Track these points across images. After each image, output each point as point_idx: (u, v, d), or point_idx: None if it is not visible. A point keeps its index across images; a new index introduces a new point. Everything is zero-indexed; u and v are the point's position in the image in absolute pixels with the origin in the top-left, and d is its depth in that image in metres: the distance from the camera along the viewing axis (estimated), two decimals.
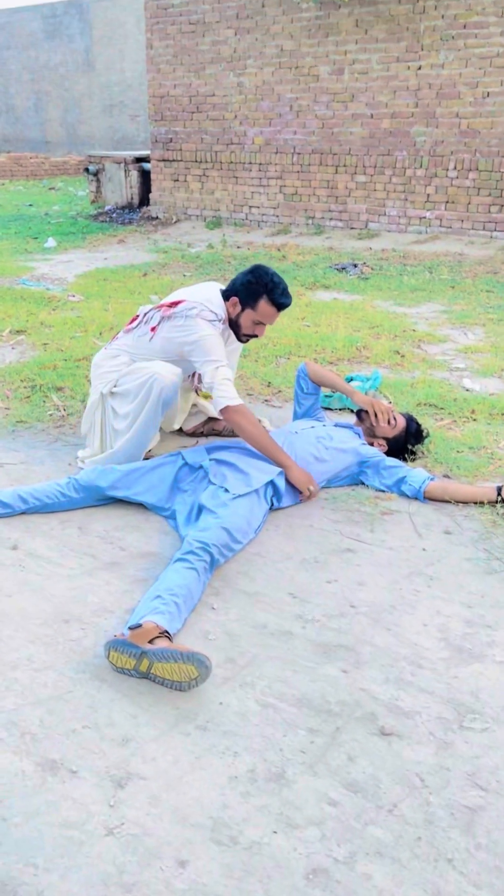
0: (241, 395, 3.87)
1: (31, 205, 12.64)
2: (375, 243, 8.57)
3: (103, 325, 5.14)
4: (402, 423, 3.09)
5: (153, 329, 2.90)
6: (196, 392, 3.39)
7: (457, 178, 8.23)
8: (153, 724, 1.77)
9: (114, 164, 11.35)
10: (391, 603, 2.24)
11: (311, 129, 9.10)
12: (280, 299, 2.84)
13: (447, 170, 8.27)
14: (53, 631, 2.09)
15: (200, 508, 2.54)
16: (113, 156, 11.49)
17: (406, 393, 3.90)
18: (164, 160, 10.59)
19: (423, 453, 3.18)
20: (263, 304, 2.84)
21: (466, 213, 8.27)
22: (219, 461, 2.72)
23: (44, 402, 3.77)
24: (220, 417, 3.35)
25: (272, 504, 2.73)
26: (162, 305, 2.94)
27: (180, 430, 3.41)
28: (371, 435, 3.08)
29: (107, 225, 10.42)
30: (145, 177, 11.19)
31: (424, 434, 3.16)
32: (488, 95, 7.84)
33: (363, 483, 2.95)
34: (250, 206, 9.94)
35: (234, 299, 2.87)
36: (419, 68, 8.18)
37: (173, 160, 10.49)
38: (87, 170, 11.62)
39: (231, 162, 9.91)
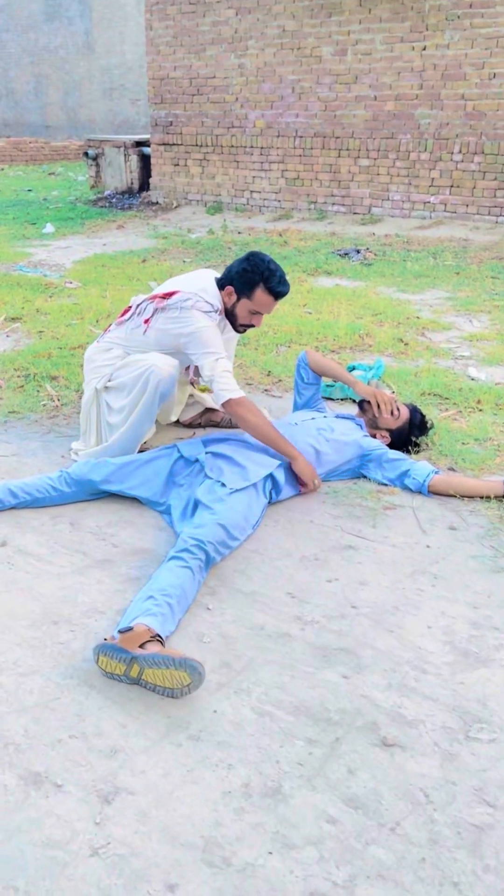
0: (240, 384, 3.77)
1: (30, 190, 12.48)
2: (379, 228, 8.43)
3: (100, 313, 5.04)
4: (405, 414, 2.99)
5: (146, 321, 2.80)
6: (192, 385, 3.28)
7: (462, 161, 8.07)
8: (143, 733, 1.68)
9: (113, 148, 11.18)
10: (394, 603, 2.15)
11: (314, 112, 8.93)
12: (277, 288, 2.72)
13: (452, 153, 8.11)
14: (41, 633, 2.00)
15: (196, 503, 2.45)
16: (112, 140, 11.32)
17: (410, 382, 3.80)
18: (164, 144, 10.42)
19: (427, 445, 3.08)
20: (260, 294, 2.73)
21: (471, 198, 8.11)
22: (215, 454, 2.63)
23: (37, 391, 3.67)
24: (219, 409, 3.26)
25: (271, 498, 2.64)
26: (155, 296, 2.83)
27: (177, 421, 3.31)
28: (373, 426, 2.98)
29: (106, 210, 10.27)
30: (145, 161, 11.03)
31: (429, 425, 3.06)
32: (494, 77, 7.66)
33: (365, 476, 2.85)
34: (251, 191, 9.78)
35: (230, 289, 2.76)
36: (424, 49, 8.00)
37: (173, 144, 10.32)
38: (86, 154, 11.46)
39: (232, 146, 9.75)
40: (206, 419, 3.29)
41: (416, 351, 4.36)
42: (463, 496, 2.70)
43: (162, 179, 10.62)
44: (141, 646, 1.81)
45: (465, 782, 1.56)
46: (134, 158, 11.04)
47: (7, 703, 1.76)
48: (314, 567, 2.32)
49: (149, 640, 1.82)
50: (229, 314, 2.81)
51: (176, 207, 10.32)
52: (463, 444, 3.12)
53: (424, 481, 2.71)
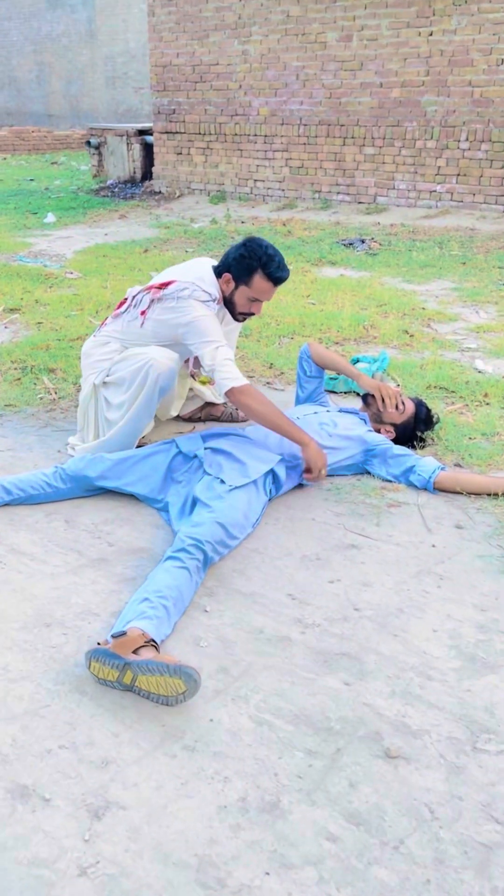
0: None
1: (32, 179, 12.38)
2: (384, 218, 8.31)
3: (100, 304, 4.95)
4: (410, 408, 2.91)
5: (143, 313, 2.71)
6: (192, 377, 3.20)
7: (469, 149, 7.94)
8: (136, 743, 1.61)
9: (116, 136, 11.06)
10: (398, 605, 2.08)
11: (318, 100, 8.81)
12: (276, 273, 2.62)
13: (459, 141, 7.98)
14: (33, 636, 1.93)
15: (195, 501, 2.38)
16: (115, 128, 11.20)
17: (415, 375, 3.71)
18: (166, 132, 10.30)
19: (433, 440, 3.00)
20: (258, 280, 2.63)
21: (479, 187, 7.99)
22: (215, 450, 2.55)
23: (34, 384, 3.60)
24: (218, 402, 3.18)
25: (271, 494, 2.56)
26: (151, 287, 2.74)
27: (177, 416, 3.23)
28: (378, 421, 2.89)
29: (108, 200, 10.17)
30: (148, 150, 10.91)
31: (435, 420, 2.98)
32: (502, 63, 7.52)
33: (369, 473, 2.77)
34: (255, 180, 9.67)
35: (227, 276, 2.67)
36: (430, 34, 7.87)
37: (176, 132, 10.20)
38: (88, 143, 11.34)
39: (235, 134, 9.63)
40: (206, 413, 3.22)
41: (422, 343, 4.27)
42: (470, 493, 2.62)
43: (165, 168, 10.50)
44: (135, 651, 1.74)
45: (473, 797, 1.49)
46: (136, 147, 10.93)
47: None
48: (315, 567, 2.25)
49: (143, 646, 1.75)
50: (228, 302, 2.72)
51: (179, 197, 10.22)
52: (470, 438, 3.03)
53: (430, 478, 2.63)
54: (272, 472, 2.54)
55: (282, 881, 1.32)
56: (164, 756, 1.58)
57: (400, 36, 8.05)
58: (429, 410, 2.96)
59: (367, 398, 2.93)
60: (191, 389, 3.26)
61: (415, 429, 2.92)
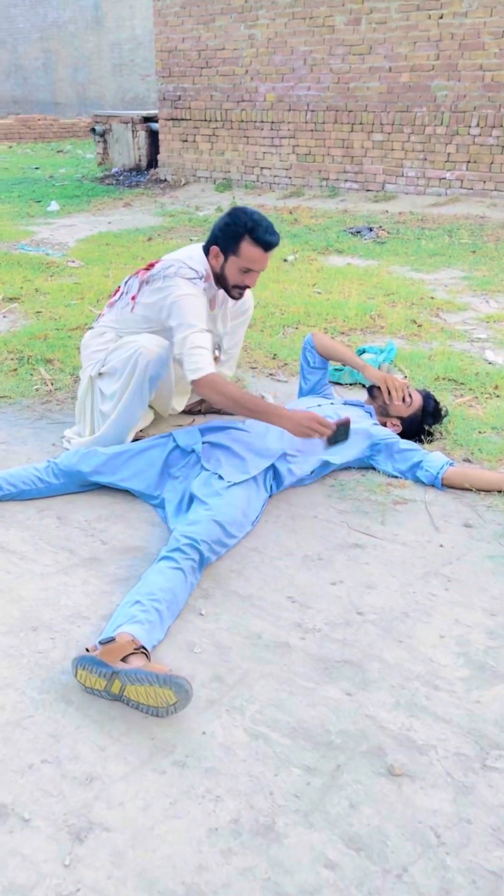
0: (244, 368, 3.59)
1: (37, 168, 12.25)
2: (392, 206, 8.16)
3: (102, 292, 4.84)
4: (418, 400, 2.80)
5: (133, 298, 2.61)
6: None
7: (479, 135, 7.76)
8: (123, 757, 1.52)
9: (121, 124, 10.92)
10: (403, 609, 1.97)
11: (326, 85, 8.64)
12: (264, 237, 2.47)
13: (469, 127, 7.80)
14: (18, 640, 1.84)
15: (192, 498, 2.28)
16: (120, 115, 11.05)
17: (423, 366, 3.59)
18: (172, 119, 10.15)
19: (441, 434, 2.89)
20: (246, 247, 2.48)
21: (489, 174, 7.82)
22: (213, 444, 2.45)
23: (31, 375, 3.50)
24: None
25: (272, 490, 2.46)
26: (140, 271, 2.64)
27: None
28: (384, 414, 2.78)
29: (113, 188, 10.04)
30: (154, 137, 10.76)
31: (443, 413, 2.87)
32: None
33: (374, 468, 2.66)
34: (262, 168, 9.51)
35: (215, 249, 2.54)
36: (441, 17, 7.68)
37: (182, 119, 10.05)
38: (93, 130, 11.20)
39: (242, 120, 9.47)
40: (207, 405, 3.11)
41: (430, 333, 4.14)
42: (479, 490, 2.51)
43: (170, 156, 10.36)
44: (123, 659, 1.64)
45: (482, 820, 1.39)
46: (142, 134, 10.78)
47: None
48: (317, 568, 2.15)
49: (132, 653, 1.65)
50: (220, 279, 2.59)
51: (184, 185, 10.08)
52: (480, 432, 2.92)
53: (438, 474, 2.52)
54: (273, 467, 2.43)
55: None
56: (153, 772, 1.48)
57: (410, 19, 7.87)
58: (437, 403, 2.85)
59: (372, 390, 2.82)
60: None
61: (422, 422, 2.81)
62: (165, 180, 10.31)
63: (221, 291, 2.66)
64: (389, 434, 2.67)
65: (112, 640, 1.67)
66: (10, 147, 15.89)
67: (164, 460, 2.46)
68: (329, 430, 2.39)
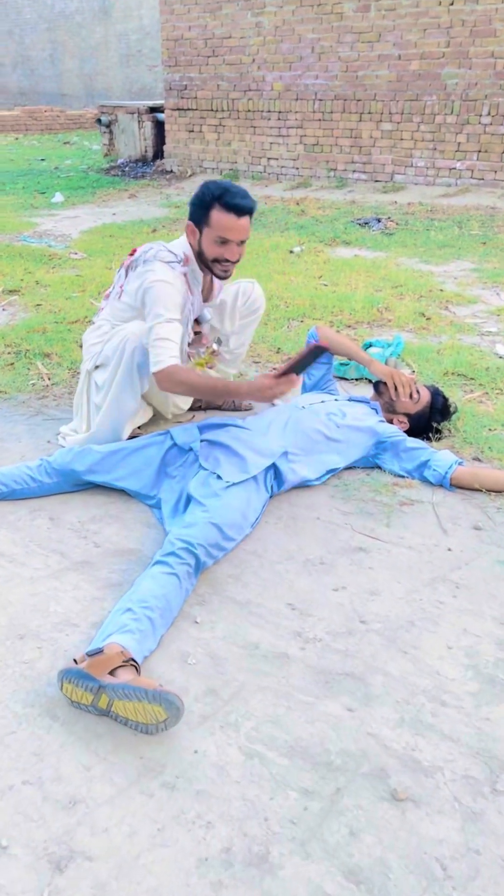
0: (248, 362, 3.49)
1: (43, 159, 12.15)
2: (401, 196, 8.02)
3: (103, 285, 4.75)
4: (426, 396, 2.69)
5: (122, 287, 2.52)
6: (189, 358, 2.99)
7: (491, 124, 7.61)
8: (109, 778, 1.43)
9: (127, 114, 10.80)
10: (409, 618, 1.87)
11: (334, 73, 8.49)
12: (233, 201, 2.33)
13: (480, 115, 7.65)
14: (4, 650, 1.75)
15: (189, 498, 2.18)
16: (126, 106, 10.93)
17: (431, 361, 3.48)
18: (178, 109, 10.02)
19: (449, 432, 2.78)
20: (217, 214, 2.36)
21: (500, 164, 7.66)
22: (211, 442, 2.35)
23: (28, 369, 3.41)
24: None
25: (272, 491, 2.36)
26: (126, 258, 2.57)
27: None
28: (390, 411, 2.68)
29: (118, 179, 9.94)
30: (160, 128, 10.64)
31: (452, 409, 2.76)
32: None
33: (379, 467, 2.56)
34: (269, 158, 9.38)
35: (190, 225, 2.44)
36: (451, 3, 7.51)
37: (188, 109, 9.92)
38: (98, 121, 11.09)
39: (249, 110, 9.33)
40: (207, 401, 3.01)
41: (439, 326, 4.03)
42: (490, 490, 2.41)
43: (176, 147, 10.23)
44: (111, 672, 1.55)
45: (492, 850, 1.30)
46: (148, 125, 10.66)
47: None
48: (319, 573, 2.05)
49: (121, 666, 1.56)
50: (201, 257, 2.48)
51: (190, 176, 9.95)
52: (490, 430, 2.81)
53: (446, 473, 2.42)
54: (274, 466, 2.34)
55: None
56: (140, 795, 1.40)
57: (420, 5, 7.71)
58: (445, 399, 2.74)
59: (378, 386, 2.72)
60: None
61: (430, 419, 2.70)
62: (171, 171, 10.19)
63: (210, 277, 2.56)
64: (396, 432, 2.57)
65: (100, 651, 1.58)
66: (17, 139, 15.79)
67: (161, 459, 2.36)
68: (290, 384, 2.30)
